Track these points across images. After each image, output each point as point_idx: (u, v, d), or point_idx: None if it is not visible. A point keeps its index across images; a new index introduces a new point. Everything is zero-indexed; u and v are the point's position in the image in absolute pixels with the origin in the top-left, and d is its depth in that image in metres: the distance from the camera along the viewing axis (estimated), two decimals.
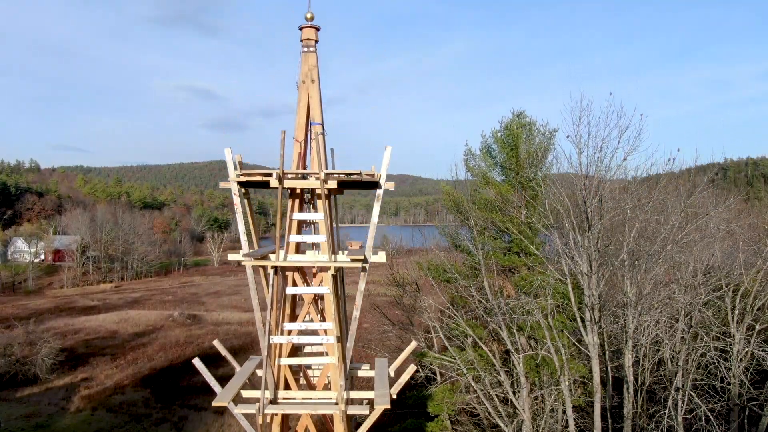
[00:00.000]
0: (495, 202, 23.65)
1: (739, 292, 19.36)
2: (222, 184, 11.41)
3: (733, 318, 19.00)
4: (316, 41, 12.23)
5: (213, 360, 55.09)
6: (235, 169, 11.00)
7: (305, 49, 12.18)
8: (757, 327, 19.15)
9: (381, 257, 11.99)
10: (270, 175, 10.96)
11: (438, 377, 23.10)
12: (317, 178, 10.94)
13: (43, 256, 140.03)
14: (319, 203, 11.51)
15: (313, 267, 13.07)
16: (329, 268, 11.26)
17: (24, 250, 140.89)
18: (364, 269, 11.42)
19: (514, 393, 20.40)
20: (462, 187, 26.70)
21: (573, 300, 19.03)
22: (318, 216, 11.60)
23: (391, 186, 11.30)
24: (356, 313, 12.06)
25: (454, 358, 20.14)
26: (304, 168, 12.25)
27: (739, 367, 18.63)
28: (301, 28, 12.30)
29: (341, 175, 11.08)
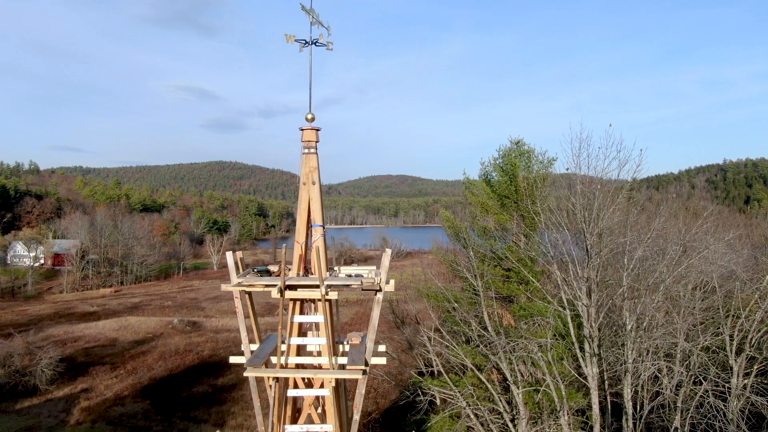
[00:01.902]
0: (495, 231, 23.70)
1: (737, 326, 19.26)
2: (224, 287, 11.41)
3: (732, 350, 18.95)
4: (317, 142, 12.16)
5: (213, 370, 55.45)
6: (237, 271, 11.03)
7: (306, 150, 12.04)
8: (755, 367, 19.07)
9: (381, 359, 12.02)
10: (273, 285, 11.05)
11: (438, 402, 23.18)
12: (318, 287, 11.04)
13: (42, 261, 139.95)
14: (320, 305, 11.54)
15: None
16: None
17: (23, 254, 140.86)
18: (364, 372, 11.44)
19: (513, 421, 20.45)
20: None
21: (572, 331, 19.06)
22: (318, 318, 11.62)
23: (391, 288, 11.33)
24: (356, 416, 12.01)
25: (453, 387, 20.15)
26: (306, 270, 12.24)
27: (736, 406, 18.58)
28: (302, 129, 12.14)
29: (342, 286, 11.19)
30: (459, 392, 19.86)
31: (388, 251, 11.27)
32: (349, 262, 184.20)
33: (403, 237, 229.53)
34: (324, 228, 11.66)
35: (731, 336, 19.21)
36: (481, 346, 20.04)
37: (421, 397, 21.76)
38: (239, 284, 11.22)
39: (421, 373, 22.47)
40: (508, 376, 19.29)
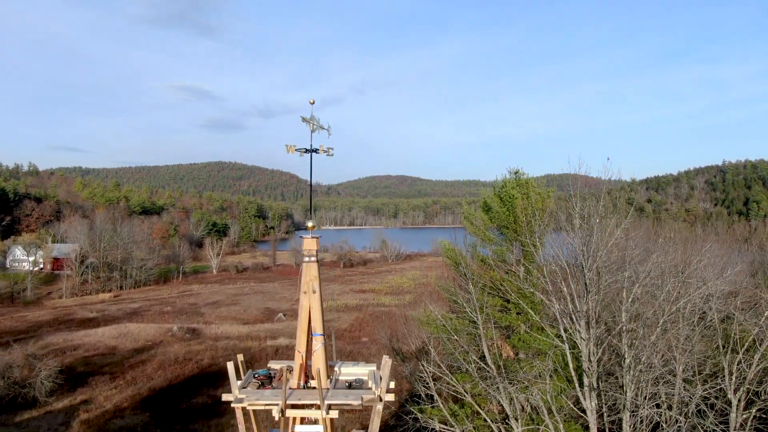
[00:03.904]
0: (494, 263, 23.72)
1: (735, 362, 19.14)
2: (225, 397, 11.39)
3: (731, 386, 18.86)
4: (317, 250, 12.16)
5: (212, 380, 55.39)
6: (237, 378, 11.02)
7: (307, 259, 12.05)
8: (754, 409, 18.95)
9: None
10: (274, 405, 11.10)
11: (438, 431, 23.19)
12: (319, 407, 11.05)
13: (41, 265, 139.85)
14: (318, 415, 11.54)
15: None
16: None
17: (22, 258, 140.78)
18: None
19: None
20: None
21: (571, 364, 19.05)
22: (317, 428, 11.59)
23: (391, 397, 11.33)
24: None
25: (454, 423, 20.08)
26: (306, 378, 12.19)
27: None
28: (302, 238, 12.23)
29: (343, 405, 11.20)
30: (460, 430, 19.78)
31: (389, 362, 11.22)
32: (348, 265, 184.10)
33: (402, 238, 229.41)
34: (324, 336, 11.60)
35: (730, 373, 19.19)
36: (481, 384, 20.02)
37: (420, 423, 21.74)
38: (240, 400, 11.22)
39: (421, 409, 22.42)
40: (508, 411, 19.29)
